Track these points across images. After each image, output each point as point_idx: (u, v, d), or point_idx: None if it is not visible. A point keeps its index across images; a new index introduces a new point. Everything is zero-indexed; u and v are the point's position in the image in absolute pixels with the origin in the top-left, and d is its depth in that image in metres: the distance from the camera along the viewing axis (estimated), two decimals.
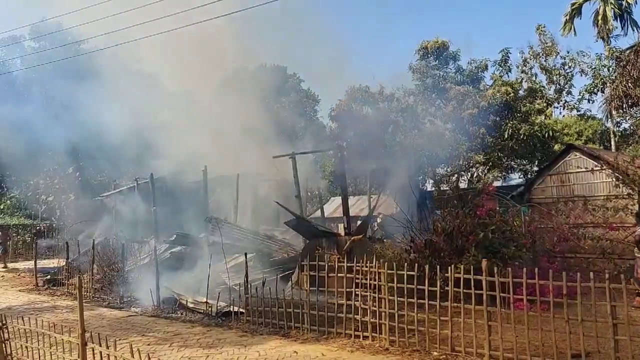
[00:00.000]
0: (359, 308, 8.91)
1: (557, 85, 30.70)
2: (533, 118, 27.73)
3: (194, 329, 10.40)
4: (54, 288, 16.55)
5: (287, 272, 14.28)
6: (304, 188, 23.27)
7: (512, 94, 27.31)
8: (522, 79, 30.51)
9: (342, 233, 17.26)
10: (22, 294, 16.31)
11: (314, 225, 16.62)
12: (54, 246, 23.61)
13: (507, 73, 29.30)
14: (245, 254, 12.75)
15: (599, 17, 28.41)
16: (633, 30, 28.48)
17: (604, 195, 16.73)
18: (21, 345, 6.55)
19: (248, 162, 22.72)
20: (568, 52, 29.91)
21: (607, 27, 28.04)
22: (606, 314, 6.60)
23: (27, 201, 32.03)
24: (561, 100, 30.89)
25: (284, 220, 16.52)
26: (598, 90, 28.96)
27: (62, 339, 6.05)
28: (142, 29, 18.47)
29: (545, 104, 29.44)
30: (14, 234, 30.35)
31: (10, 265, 24.97)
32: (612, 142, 27.80)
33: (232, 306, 11.25)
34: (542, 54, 30.19)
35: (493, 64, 28.90)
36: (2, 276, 20.94)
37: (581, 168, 18.23)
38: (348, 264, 9.27)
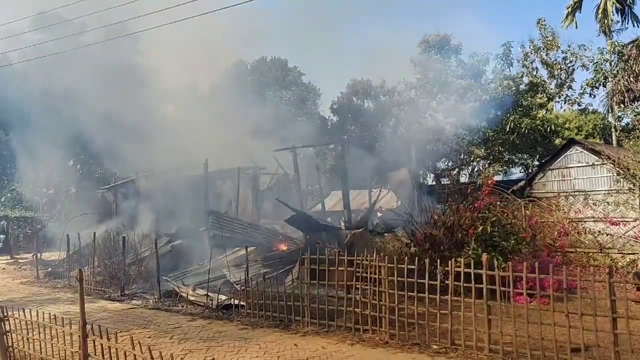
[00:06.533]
0: (359, 301, 8.92)
1: (559, 80, 30.56)
2: (534, 112, 27.65)
3: (195, 321, 10.42)
4: (55, 280, 16.60)
5: (288, 267, 14.31)
6: (304, 181, 23.27)
7: (513, 88, 27.24)
8: (523, 73, 30.37)
9: (343, 227, 17.30)
10: (23, 286, 16.35)
11: (314, 219, 16.64)
12: (52, 239, 23.61)
13: (508, 67, 29.21)
14: (246, 247, 12.80)
15: (600, 11, 28.25)
16: (634, 25, 28.33)
17: (605, 190, 16.75)
18: (22, 337, 6.57)
19: (249, 155, 22.72)
20: (569, 47, 29.73)
21: (607, 21, 27.88)
22: (606, 308, 6.61)
23: (28, 194, 32.05)
24: (562, 95, 30.77)
25: (284, 213, 16.53)
26: (599, 85, 28.84)
27: (64, 331, 6.07)
28: (142, 23, 18.44)
29: (546, 99, 29.34)
30: (15, 227, 30.40)
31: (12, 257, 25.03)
32: (614, 137, 27.74)
33: (232, 299, 11.28)
34: (543, 48, 30.02)
35: (495, 58, 28.79)
36: (4, 268, 20.99)
37: (582, 163, 18.24)
38: (348, 258, 9.27)
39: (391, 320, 8.44)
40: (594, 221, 14.49)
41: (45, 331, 6.34)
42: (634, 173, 14.97)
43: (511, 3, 65.80)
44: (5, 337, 6.65)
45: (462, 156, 28.50)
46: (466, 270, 7.83)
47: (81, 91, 23.80)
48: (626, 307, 6.45)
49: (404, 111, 28.71)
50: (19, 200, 34.08)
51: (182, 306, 11.89)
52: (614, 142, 27.11)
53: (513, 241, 11.40)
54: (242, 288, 11.37)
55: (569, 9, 29.55)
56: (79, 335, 5.56)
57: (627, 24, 28.32)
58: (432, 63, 28.36)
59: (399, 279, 8.42)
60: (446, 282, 8.03)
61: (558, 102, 31.29)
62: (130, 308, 12.22)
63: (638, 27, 28.11)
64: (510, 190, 17.01)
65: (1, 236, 27.36)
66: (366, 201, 23.30)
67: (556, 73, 30.30)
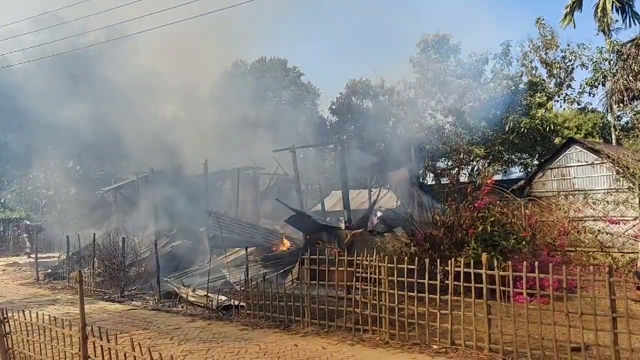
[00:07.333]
0: (359, 302, 8.92)
1: (558, 79, 30.57)
2: (534, 111, 27.67)
3: (195, 322, 10.42)
4: (55, 282, 16.58)
5: (288, 267, 14.30)
6: (304, 182, 23.27)
7: (512, 88, 27.27)
8: (523, 72, 30.39)
9: (343, 227, 17.29)
10: (23, 287, 16.33)
11: (314, 219, 16.63)
12: (52, 240, 23.59)
13: (507, 66, 29.22)
14: (246, 248, 12.79)
15: (599, 10, 28.23)
16: (635, 23, 28.29)
17: (605, 189, 16.74)
18: (22, 339, 6.56)
19: (248, 156, 22.74)
20: (568, 46, 29.77)
21: (606, 20, 27.87)
22: (606, 307, 6.61)
23: (28, 195, 32.07)
24: (561, 94, 30.79)
25: (284, 213, 16.53)
26: (599, 84, 28.84)
27: (63, 333, 6.06)
28: (142, 23, 18.45)
29: (545, 98, 29.36)
30: (14, 228, 30.41)
31: (11, 259, 25.01)
32: (613, 136, 27.74)
33: (232, 300, 11.27)
34: (542, 48, 30.04)
35: (494, 57, 28.80)
36: (4, 270, 20.98)
37: (582, 162, 18.23)
38: (348, 258, 9.27)
39: (391, 321, 8.43)
40: (593, 220, 14.47)
41: (45, 333, 6.32)
42: (633, 172, 14.95)
43: (511, 2, 65.76)
44: (5, 339, 6.64)
45: (461, 156, 28.51)
46: (466, 269, 7.82)
47: (81, 92, 23.81)
48: (626, 306, 6.45)
49: (403, 111, 28.75)
50: (19, 202, 34.09)
51: (182, 307, 11.88)
52: (614, 141, 27.11)
53: (513, 240, 11.39)
54: (242, 288, 11.36)
55: (568, 9, 29.52)
56: (79, 337, 5.55)
57: (627, 22, 28.25)
58: (431, 63, 28.39)
59: (399, 279, 8.41)
60: (446, 281, 8.03)
61: (557, 101, 31.33)
62: (130, 309, 12.21)
63: (638, 25, 28.06)
64: (510, 189, 16.99)
65: (24, 235, 27.39)
66: (366, 201, 23.33)
67: (555, 72, 30.32)
